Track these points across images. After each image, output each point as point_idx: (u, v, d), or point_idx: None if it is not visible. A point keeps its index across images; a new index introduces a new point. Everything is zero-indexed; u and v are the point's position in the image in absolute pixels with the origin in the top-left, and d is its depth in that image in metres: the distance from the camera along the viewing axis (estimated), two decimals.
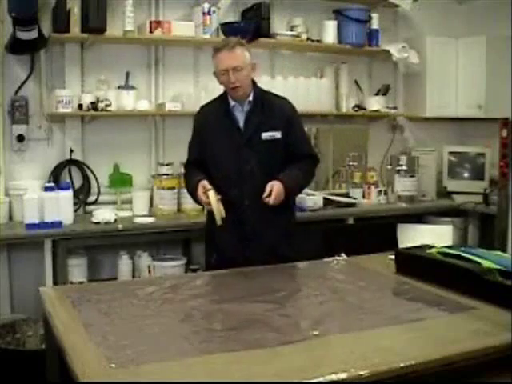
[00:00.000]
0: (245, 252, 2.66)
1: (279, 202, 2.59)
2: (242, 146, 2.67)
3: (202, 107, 2.92)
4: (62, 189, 3.50)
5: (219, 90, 4.11)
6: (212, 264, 2.74)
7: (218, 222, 2.53)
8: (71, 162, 3.83)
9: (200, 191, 2.59)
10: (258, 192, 2.58)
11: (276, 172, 2.65)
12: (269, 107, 2.71)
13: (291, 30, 4.29)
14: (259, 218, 2.66)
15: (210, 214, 2.65)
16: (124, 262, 3.71)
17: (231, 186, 2.67)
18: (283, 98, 2.83)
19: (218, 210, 2.52)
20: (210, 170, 2.73)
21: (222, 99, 2.77)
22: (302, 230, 3.49)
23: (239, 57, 2.62)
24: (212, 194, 2.53)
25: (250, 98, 2.69)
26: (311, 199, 4.03)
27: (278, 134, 2.69)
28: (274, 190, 2.56)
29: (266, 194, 2.55)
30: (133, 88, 3.86)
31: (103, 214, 3.47)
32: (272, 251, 2.68)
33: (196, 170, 2.76)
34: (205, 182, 2.59)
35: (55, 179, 3.74)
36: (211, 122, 2.76)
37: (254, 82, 2.74)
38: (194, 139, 2.86)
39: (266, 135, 2.68)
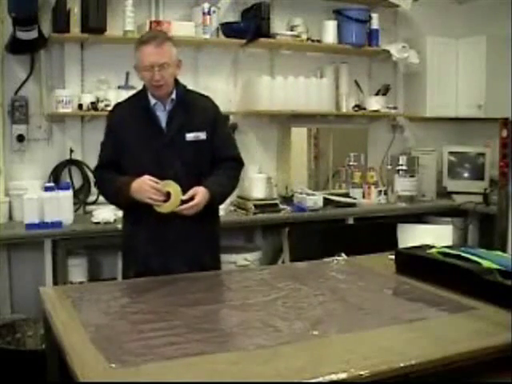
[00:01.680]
0: (167, 263, 2.44)
1: (197, 211, 2.36)
2: (165, 147, 2.44)
3: (117, 105, 2.68)
4: (61, 189, 3.50)
5: (220, 90, 4.15)
6: (131, 277, 2.48)
7: (163, 210, 2.36)
8: (71, 162, 3.83)
9: (147, 178, 2.33)
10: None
11: (203, 177, 2.46)
12: (193, 106, 2.52)
13: (291, 30, 4.29)
14: (183, 228, 2.42)
15: (131, 224, 2.51)
16: None
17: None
18: (206, 97, 2.64)
19: (172, 205, 2.35)
20: (128, 175, 2.44)
21: (141, 96, 2.53)
22: (302, 229, 3.49)
23: (167, 53, 2.41)
24: (176, 185, 2.35)
25: (173, 96, 2.49)
26: (311, 199, 4.03)
27: (202, 135, 2.49)
28: (197, 197, 2.34)
29: (185, 197, 2.32)
30: (133, 88, 3.84)
31: (103, 214, 3.47)
32: (195, 262, 2.47)
33: (115, 175, 2.48)
34: (151, 177, 2.35)
35: (55, 179, 3.74)
36: (129, 121, 2.50)
37: (176, 80, 2.53)
38: (108, 141, 2.57)
39: (190, 136, 2.47)
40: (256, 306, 2.02)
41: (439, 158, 4.83)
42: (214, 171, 2.51)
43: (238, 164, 2.66)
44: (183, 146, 2.45)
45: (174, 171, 2.42)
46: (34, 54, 3.69)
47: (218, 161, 2.54)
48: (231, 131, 2.65)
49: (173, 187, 2.35)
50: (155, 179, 2.35)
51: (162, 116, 2.48)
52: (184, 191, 2.37)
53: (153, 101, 2.49)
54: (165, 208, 2.35)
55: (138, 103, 2.52)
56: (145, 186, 2.34)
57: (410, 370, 1.55)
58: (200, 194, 2.36)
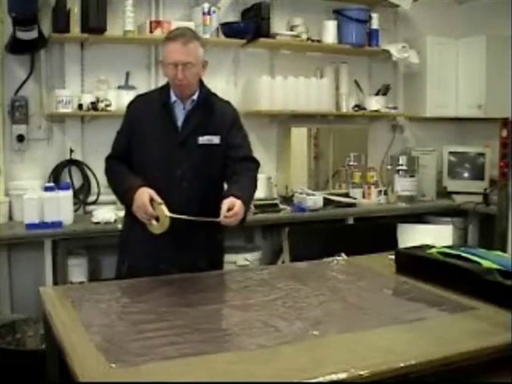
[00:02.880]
0: (159, 264, 2.39)
1: (234, 224, 2.22)
2: (176, 147, 2.39)
3: (139, 96, 2.64)
4: (61, 189, 3.50)
5: (220, 90, 4.13)
6: (123, 272, 2.48)
7: (154, 230, 2.29)
8: (71, 162, 3.83)
9: (146, 200, 2.24)
10: (185, 203, 2.30)
11: (211, 183, 2.41)
12: (211, 110, 2.45)
13: (291, 30, 4.29)
14: (179, 231, 2.30)
15: (130, 220, 2.42)
16: None
17: (156, 191, 2.28)
18: (227, 102, 2.59)
19: (162, 227, 2.24)
20: (135, 169, 2.44)
21: (163, 92, 2.48)
22: (302, 229, 3.49)
23: (193, 52, 2.34)
24: (165, 210, 2.21)
25: (195, 97, 2.43)
26: (311, 199, 4.03)
27: (216, 139, 2.42)
28: (235, 210, 2.18)
29: (224, 211, 2.16)
30: (133, 88, 3.86)
31: (103, 214, 3.47)
32: (188, 266, 2.40)
33: (126, 169, 2.44)
34: (153, 192, 2.25)
35: (55, 179, 3.74)
36: (146, 115, 2.45)
37: (201, 81, 2.48)
38: (122, 131, 2.53)
39: (203, 139, 2.40)
40: (256, 306, 2.02)
41: (439, 158, 4.83)
42: (233, 175, 2.40)
43: (255, 164, 2.54)
44: (194, 148, 2.40)
45: (181, 171, 2.38)
46: (34, 54, 3.68)
47: (234, 161, 2.44)
48: (247, 135, 2.57)
49: (160, 211, 2.23)
50: (155, 196, 2.25)
51: (180, 115, 2.43)
52: (188, 195, 2.34)
53: (173, 98, 2.44)
54: (154, 229, 2.28)
55: (158, 98, 2.47)
56: (140, 208, 2.26)
57: (410, 370, 1.55)
58: (237, 203, 2.20)
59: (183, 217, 2.21)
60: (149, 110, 2.46)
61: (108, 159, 2.56)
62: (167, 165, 2.38)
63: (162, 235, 2.29)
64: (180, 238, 2.39)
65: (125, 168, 2.45)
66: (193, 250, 2.44)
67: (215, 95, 2.56)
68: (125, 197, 2.38)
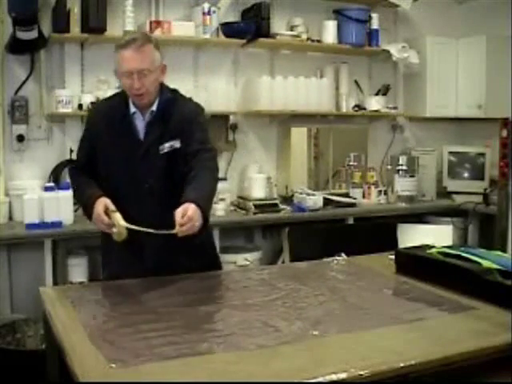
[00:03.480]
0: (137, 271, 2.31)
1: (195, 231, 2.06)
2: (139, 160, 2.26)
3: (98, 105, 2.49)
4: (61, 189, 3.50)
5: (220, 90, 4.14)
6: (105, 279, 2.46)
7: (116, 238, 2.22)
8: (71, 162, 3.82)
9: (101, 210, 2.17)
10: (159, 213, 2.16)
11: (181, 189, 2.18)
12: (171, 115, 2.29)
13: (291, 30, 4.29)
14: (161, 245, 2.22)
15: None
16: None
17: (126, 206, 2.21)
18: (189, 100, 2.41)
19: (121, 234, 2.18)
20: (102, 183, 2.31)
21: (121, 101, 2.31)
22: (302, 229, 3.49)
23: (148, 58, 2.18)
24: (119, 218, 2.16)
25: (154, 108, 2.27)
26: (311, 199, 4.03)
27: (177, 143, 2.27)
28: (189, 215, 2.01)
29: (178, 220, 2.00)
30: None
31: None
32: (172, 271, 2.29)
33: (88, 180, 2.34)
34: (108, 202, 2.19)
35: (55, 179, 3.74)
36: (106, 127, 2.31)
37: (161, 86, 2.32)
38: (85, 140, 2.41)
39: (164, 147, 2.26)
40: (256, 306, 2.02)
41: (439, 158, 4.83)
42: (190, 171, 2.22)
43: (211, 153, 2.32)
44: (158, 158, 2.27)
45: (148, 185, 2.28)
46: (33, 54, 3.69)
47: (190, 156, 2.25)
48: (207, 129, 2.39)
49: (115, 220, 2.17)
50: (110, 205, 2.18)
51: (141, 126, 2.29)
52: (160, 206, 2.20)
53: (132, 109, 2.29)
54: (115, 238, 2.24)
55: (117, 109, 2.31)
56: (97, 218, 2.21)
57: (410, 370, 1.55)
58: (191, 208, 2.03)
59: (137, 228, 2.13)
60: (109, 121, 2.32)
61: (71, 169, 2.51)
62: (133, 179, 2.27)
63: (135, 241, 2.21)
64: (162, 252, 2.28)
65: (86, 178, 2.35)
66: (173, 254, 2.31)
67: (176, 96, 2.37)
68: (86, 208, 2.28)
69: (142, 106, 2.28)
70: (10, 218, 3.60)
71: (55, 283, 3.36)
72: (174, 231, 2.03)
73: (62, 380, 1.98)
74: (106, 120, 2.33)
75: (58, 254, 3.41)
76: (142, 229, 2.13)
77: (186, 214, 2.00)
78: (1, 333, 3.17)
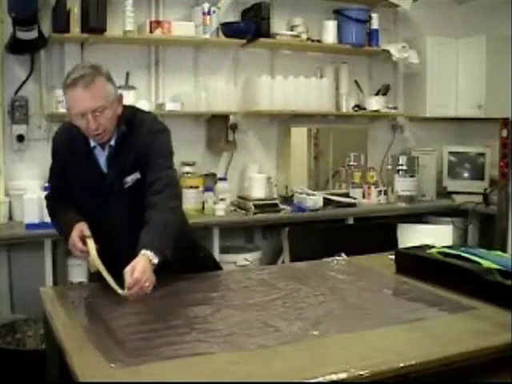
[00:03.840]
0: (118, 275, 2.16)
1: (149, 286, 1.86)
2: (107, 194, 2.16)
3: (60, 134, 2.29)
4: None
5: (220, 90, 4.14)
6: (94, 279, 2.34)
7: (92, 269, 2.18)
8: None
9: (75, 236, 2.12)
10: (132, 245, 1.95)
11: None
12: (130, 146, 2.12)
13: (291, 30, 4.29)
14: (130, 243, 2.03)
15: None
16: None
17: (99, 239, 2.15)
18: (148, 120, 2.20)
19: (94, 262, 2.10)
20: (77, 208, 2.23)
21: (81, 136, 2.13)
22: (302, 229, 3.49)
23: (101, 94, 2.00)
24: (92, 247, 2.11)
25: (112, 143, 2.12)
26: (311, 199, 4.03)
27: (138, 175, 2.13)
28: (135, 277, 1.79)
29: (127, 281, 1.80)
30: (133, 88, 3.86)
31: None
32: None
33: (64, 208, 2.25)
34: (84, 227, 2.14)
35: None
36: (70, 158, 2.20)
37: (120, 116, 2.14)
38: (54, 170, 2.31)
39: (127, 180, 2.13)
40: (256, 306, 2.02)
41: (439, 158, 4.83)
42: (147, 209, 2.03)
43: (166, 180, 2.10)
44: (124, 192, 2.15)
45: (119, 216, 2.18)
46: (34, 54, 3.68)
47: (147, 187, 2.09)
48: (166, 151, 2.20)
49: (89, 248, 2.13)
50: (86, 231, 2.14)
51: (103, 160, 2.16)
52: (133, 239, 1.97)
53: (92, 143, 2.15)
54: (89, 267, 2.23)
55: (78, 142, 2.16)
56: (72, 245, 2.17)
57: (410, 370, 1.55)
58: (138, 267, 1.82)
59: (101, 271, 2.05)
60: (72, 153, 2.19)
61: (46, 199, 2.41)
62: (105, 212, 2.18)
63: (120, 249, 2.13)
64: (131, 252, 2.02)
65: (62, 206, 2.27)
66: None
67: (132, 123, 2.16)
68: (66, 238, 2.21)
69: (103, 143, 2.14)
70: (10, 218, 3.60)
71: (55, 283, 3.35)
72: (123, 293, 1.85)
73: (62, 380, 1.98)
74: (69, 152, 2.20)
75: (58, 254, 3.41)
76: (105, 275, 2.02)
77: (133, 276, 1.78)
78: (1, 333, 3.17)
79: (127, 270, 1.81)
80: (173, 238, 1.99)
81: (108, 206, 2.18)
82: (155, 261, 1.84)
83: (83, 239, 2.14)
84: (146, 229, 1.95)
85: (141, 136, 2.14)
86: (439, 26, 4.84)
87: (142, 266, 1.81)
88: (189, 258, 2.36)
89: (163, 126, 2.23)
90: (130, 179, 2.14)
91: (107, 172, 2.16)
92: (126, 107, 2.19)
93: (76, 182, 2.20)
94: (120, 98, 2.12)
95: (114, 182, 2.15)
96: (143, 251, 1.85)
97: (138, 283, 1.79)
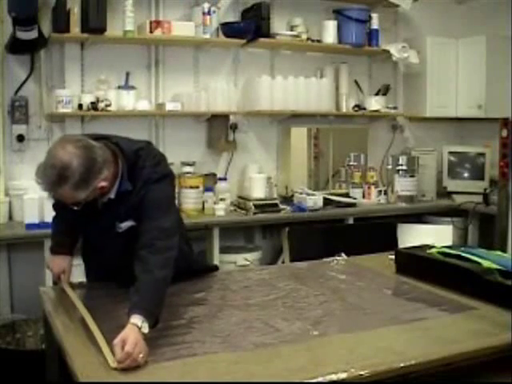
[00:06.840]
0: (119, 285, 2.19)
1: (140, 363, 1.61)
2: (101, 233, 2.21)
3: None
4: None
5: (220, 90, 4.14)
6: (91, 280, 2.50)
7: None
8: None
9: (56, 273, 2.31)
10: (128, 265, 1.94)
11: None
12: (129, 198, 2.09)
13: (291, 30, 4.29)
14: (124, 251, 2.09)
15: (87, 248, 2.38)
16: None
17: (94, 255, 2.32)
18: (150, 172, 2.10)
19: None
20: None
21: None
22: (302, 229, 3.49)
23: (70, 197, 1.97)
24: (71, 293, 2.17)
25: (112, 196, 2.10)
26: (311, 199, 4.03)
27: (132, 222, 2.12)
28: (126, 351, 1.58)
29: (117, 355, 1.58)
30: (133, 88, 3.86)
31: None
32: None
33: (61, 226, 2.34)
34: (66, 268, 2.32)
35: None
36: None
37: (122, 175, 2.08)
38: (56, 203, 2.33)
39: (121, 226, 2.14)
40: (256, 306, 2.02)
41: (439, 158, 4.83)
42: (137, 265, 1.92)
43: (157, 233, 1.98)
44: (117, 235, 2.16)
45: (113, 249, 2.20)
46: (34, 54, 3.68)
47: (140, 236, 2.01)
48: (162, 196, 2.12)
49: (68, 293, 2.18)
50: (66, 274, 2.33)
51: (99, 203, 2.13)
52: (126, 261, 1.97)
53: None
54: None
55: None
56: (52, 269, 2.33)
57: (410, 370, 1.55)
58: (129, 340, 1.62)
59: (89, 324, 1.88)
60: None
61: (54, 207, 2.38)
62: (103, 250, 2.25)
63: (114, 257, 2.20)
64: (125, 260, 2.04)
65: (61, 224, 2.35)
66: None
67: (133, 169, 2.10)
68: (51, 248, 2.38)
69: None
70: (10, 218, 3.60)
71: (55, 283, 3.35)
72: (113, 366, 1.61)
73: (62, 380, 1.98)
74: None
75: None
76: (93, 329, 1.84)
77: (125, 350, 1.59)
78: (1, 333, 3.17)
79: (117, 342, 1.61)
80: (162, 294, 1.87)
81: (103, 240, 2.22)
82: (146, 330, 1.68)
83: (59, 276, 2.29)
84: (134, 287, 1.84)
85: (137, 187, 2.09)
86: (439, 25, 4.84)
87: (133, 338, 1.62)
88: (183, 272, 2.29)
89: (165, 171, 2.16)
90: (124, 225, 2.14)
91: (102, 213, 2.14)
92: (128, 150, 2.12)
93: (73, 211, 2.10)
94: (105, 178, 1.99)
95: (108, 224, 2.15)
96: (132, 319, 1.70)
97: (130, 356, 1.59)
